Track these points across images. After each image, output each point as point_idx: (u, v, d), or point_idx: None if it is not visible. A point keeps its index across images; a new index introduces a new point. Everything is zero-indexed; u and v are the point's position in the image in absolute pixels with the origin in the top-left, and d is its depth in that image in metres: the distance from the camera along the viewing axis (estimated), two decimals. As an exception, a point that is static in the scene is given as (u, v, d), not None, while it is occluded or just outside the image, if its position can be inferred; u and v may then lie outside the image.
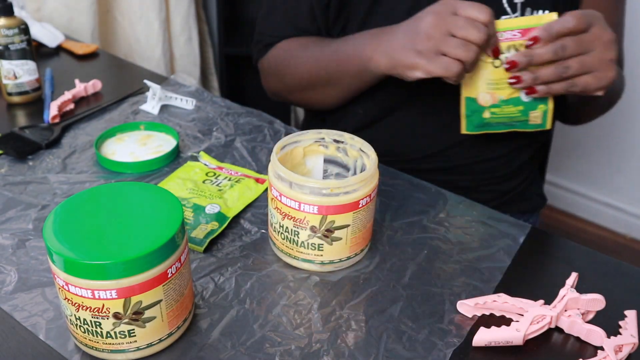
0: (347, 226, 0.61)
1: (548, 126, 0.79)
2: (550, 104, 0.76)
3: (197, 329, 0.57)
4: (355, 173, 0.69)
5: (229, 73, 2.06)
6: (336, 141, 0.69)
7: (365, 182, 0.61)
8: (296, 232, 0.62)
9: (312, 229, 0.61)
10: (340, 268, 0.65)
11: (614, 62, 0.70)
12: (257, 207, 0.74)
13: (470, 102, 0.78)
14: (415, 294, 0.62)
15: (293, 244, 0.63)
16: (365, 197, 0.61)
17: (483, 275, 0.65)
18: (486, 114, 0.78)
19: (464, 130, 0.81)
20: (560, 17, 0.70)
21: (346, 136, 0.68)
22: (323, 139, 0.69)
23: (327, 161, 0.71)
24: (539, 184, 1.06)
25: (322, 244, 0.62)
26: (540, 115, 0.77)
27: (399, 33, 0.74)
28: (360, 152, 0.67)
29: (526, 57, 0.70)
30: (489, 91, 0.76)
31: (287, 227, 0.62)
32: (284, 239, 0.63)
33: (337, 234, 0.61)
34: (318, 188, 0.59)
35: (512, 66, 0.71)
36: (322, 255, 0.63)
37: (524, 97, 0.76)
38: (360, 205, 0.61)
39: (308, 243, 0.62)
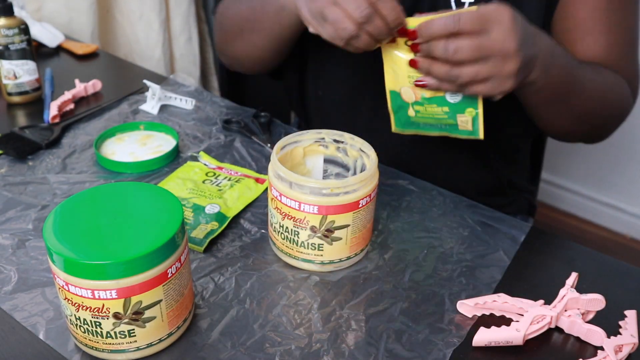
0: (347, 226, 0.61)
1: (481, 135, 0.67)
2: (480, 108, 0.65)
3: (197, 329, 0.57)
4: (355, 173, 0.69)
5: (229, 73, 2.06)
6: (336, 141, 0.69)
7: (365, 182, 0.60)
8: (296, 232, 0.62)
9: (312, 229, 0.61)
10: (340, 268, 0.65)
11: (513, 75, 0.61)
12: (257, 207, 0.74)
13: (394, 97, 0.69)
14: (415, 294, 0.62)
15: (293, 244, 0.63)
16: (365, 197, 0.61)
17: (483, 275, 0.65)
18: (411, 112, 0.69)
19: (394, 128, 0.72)
20: (451, 15, 0.59)
21: (346, 136, 0.68)
22: (323, 139, 0.69)
23: (327, 161, 0.71)
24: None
25: (322, 244, 0.62)
26: (470, 121, 0.66)
27: None
28: (360, 152, 0.67)
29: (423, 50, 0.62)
30: (411, 86, 0.67)
31: (287, 227, 0.62)
32: (284, 239, 0.63)
33: (337, 234, 0.61)
34: (318, 188, 0.59)
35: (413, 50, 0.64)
36: (322, 255, 0.63)
37: (449, 97, 0.66)
38: (360, 205, 0.61)
39: (308, 243, 0.62)
